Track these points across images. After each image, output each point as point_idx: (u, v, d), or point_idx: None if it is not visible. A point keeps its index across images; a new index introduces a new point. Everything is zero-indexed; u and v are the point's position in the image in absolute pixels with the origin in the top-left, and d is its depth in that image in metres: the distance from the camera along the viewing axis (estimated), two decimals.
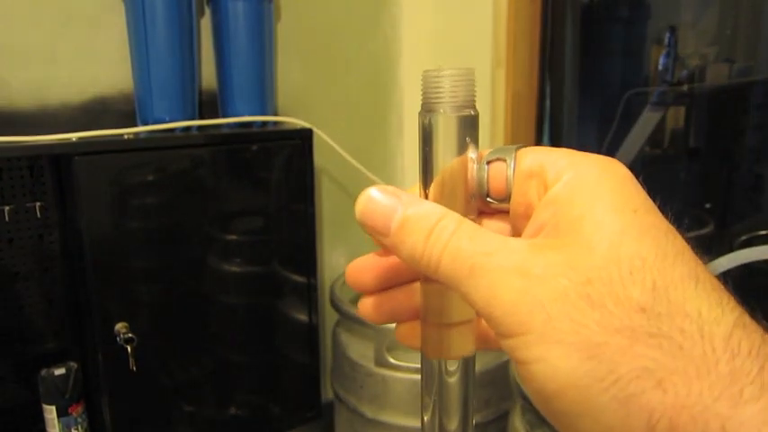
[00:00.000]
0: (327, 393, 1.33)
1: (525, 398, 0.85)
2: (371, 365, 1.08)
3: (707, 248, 1.32)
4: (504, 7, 1.26)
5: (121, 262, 0.98)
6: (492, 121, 1.33)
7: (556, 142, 1.37)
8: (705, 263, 0.20)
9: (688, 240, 0.21)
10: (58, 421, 1.03)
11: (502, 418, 1.08)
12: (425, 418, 0.27)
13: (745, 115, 1.36)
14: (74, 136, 0.92)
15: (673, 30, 1.51)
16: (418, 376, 0.94)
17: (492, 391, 1.07)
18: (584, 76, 1.40)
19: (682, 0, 1.46)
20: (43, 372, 1.03)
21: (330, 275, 1.43)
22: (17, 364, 1.07)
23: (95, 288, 0.95)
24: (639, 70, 1.51)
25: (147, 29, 1.02)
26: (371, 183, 1.26)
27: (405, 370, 1.05)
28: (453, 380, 0.25)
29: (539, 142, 1.38)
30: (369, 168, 1.30)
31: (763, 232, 1.33)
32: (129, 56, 1.07)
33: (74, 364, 1.05)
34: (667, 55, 1.52)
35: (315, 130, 1.13)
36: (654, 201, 0.21)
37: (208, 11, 1.16)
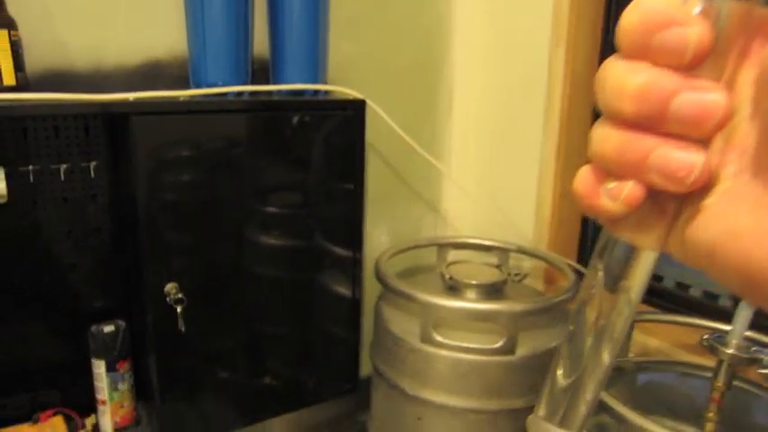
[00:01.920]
0: (363, 368, 1.32)
1: None
2: (416, 341, 1.07)
3: None
4: None
5: (172, 224, 0.98)
6: (547, 103, 1.29)
7: None
8: None
9: None
10: (107, 375, 1.06)
11: None
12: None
13: None
14: (131, 96, 0.92)
15: None
16: (462, 355, 0.92)
17: (538, 377, 1.05)
18: None
19: None
20: (93, 328, 1.05)
21: (370, 252, 1.42)
22: (68, 321, 1.09)
23: (147, 248, 0.96)
24: None
25: None
26: (420, 160, 1.25)
27: (450, 348, 1.03)
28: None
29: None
30: (416, 139, 1.27)
31: None
32: (185, 20, 1.07)
33: (122, 323, 1.07)
34: None
35: (368, 101, 1.11)
36: None
37: None
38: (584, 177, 0.22)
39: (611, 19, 1.27)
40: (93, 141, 1.04)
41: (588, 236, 1.39)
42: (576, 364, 0.27)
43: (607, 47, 1.29)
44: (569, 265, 1.22)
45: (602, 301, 0.25)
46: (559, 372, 0.28)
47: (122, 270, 1.11)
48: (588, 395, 0.27)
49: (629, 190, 0.20)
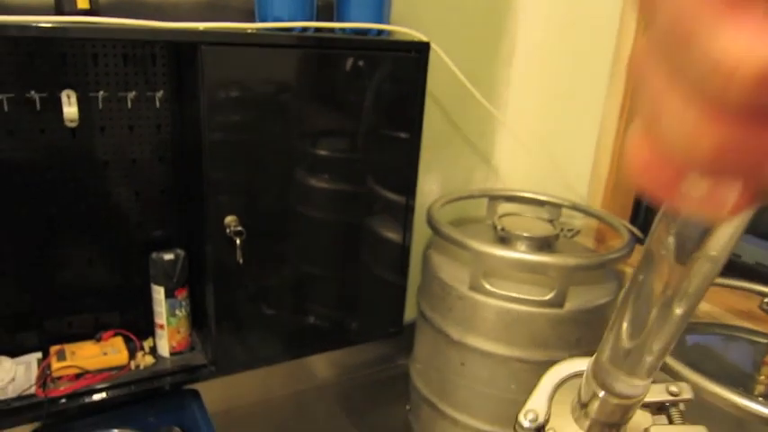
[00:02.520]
0: (407, 314, 1.35)
1: None
2: (464, 288, 1.08)
3: None
4: None
5: (233, 157, 1.00)
6: (615, 56, 1.24)
7: None
8: None
9: None
10: (165, 302, 1.10)
11: None
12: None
13: None
14: (201, 26, 0.92)
15: None
16: (510, 304, 0.93)
17: (585, 332, 1.05)
18: None
19: None
20: (154, 255, 1.09)
21: (421, 200, 1.42)
22: (130, 247, 1.13)
23: (210, 179, 0.98)
24: None
25: None
26: (476, 108, 1.22)
27: (498, 297, 1.04)
28: None
29: None
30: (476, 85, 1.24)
31: None
32: None
33: (181, 252, 1.10)
34: None
35: (433, 45, 1.09)
36: None
37: None
38: (651, 166, 0.16)
39: None
40: (160, 71, 1.05)
41: (644, 200, 1.36)
42: (639, 327, 0.26)
43: None
44: (625, 226, 1.20)
45: (672, 270, 0.23)
46: (624, 330, 0.27)
47: (182, 201, 1.14)
48: (653, 357, 0.27)
49: (737, 197, 0.15)
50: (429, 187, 1.44)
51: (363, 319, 1.25)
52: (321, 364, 1.45)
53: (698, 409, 0.72)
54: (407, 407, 1.35)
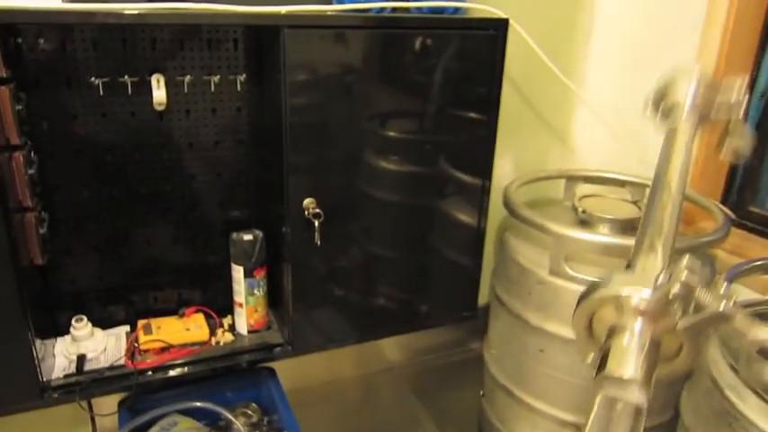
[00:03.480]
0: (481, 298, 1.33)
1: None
2: (544, 273, 1.05)
3: None
4: None
5: (313, 140, 1.00)
6: (703, 35, 1.16)
7: None
8: None
9: None
10: (245, 281, 1.13)
11: None
12: None
13: None
14: (283, 9, 0.93)
15: None
16: None
17: None
18: None
19: None
20: (234, 235, 1.12)
21: (495, 182, 1.39)
22: (212, 227, 1.17)
23: (290, 162, 0.99)
24: None
25: None
26: (553, 86, 1.17)
27: (580, 282, 1.00)
28: None
29: (761, 53, 1.19)
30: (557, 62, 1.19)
31: None
32: None
33: (260, 232, 1.13)
34: None
35: (512, 22, 1.05)
36: None
37: None
38: None
39: None
40: (241, 55, 1.07)
41: (736, 180, 1.27)
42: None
43: None
44: (717, 206, 1.13)
45: None
46: None
47: (262, 182, 1.16)
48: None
49: None
50: (504, 168, 1.41)
51: (436, 303, 1.24)
52: (392, 347, 1.46)
53: None
54: (481, 392, 1.33)
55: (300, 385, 1.39)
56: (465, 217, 1.20)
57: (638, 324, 0.40)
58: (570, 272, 1.01)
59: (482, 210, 1.19)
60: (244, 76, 1.07)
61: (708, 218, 1.20)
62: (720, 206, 1.14)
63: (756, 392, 0.74)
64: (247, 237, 1.12)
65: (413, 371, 1.48)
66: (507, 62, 1.25)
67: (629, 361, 0.39)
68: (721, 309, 0.38)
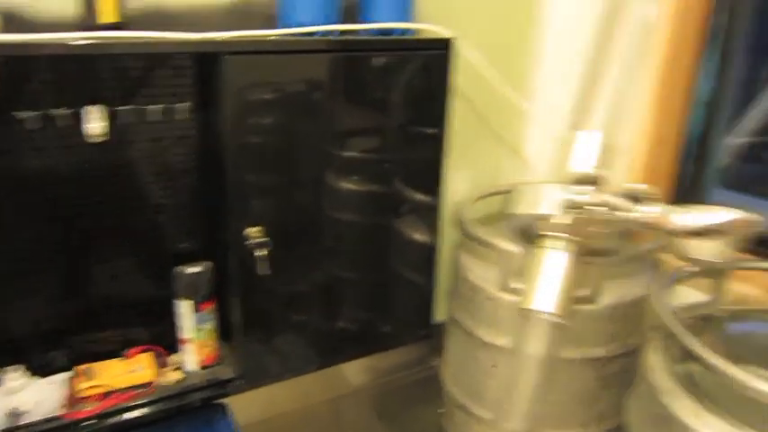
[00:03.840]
0: (437, 314, 1.33)
1: (671, 334, 0.80)
2: (493, 289, 1.06)
3: None
4: None
5: (257, 166, 0.98)
6: (647, 44, 1.21)
7: (724, 63, 1.21)
8: None
9: None
10: (191, 316, 1.09)
11: (627, 354, 1.05)
12: None
13: None
14: (223, 35, 0.91)
15: None
16: None
17: (620, 326, 1.03)
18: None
19: None
20: (177, 269, 1.08)
21: (451, 198, 1.40)
22: (156, 261, 1.12)
23: (232, 190, 0.97)
24: None
25: None
26: (504, 101, 1.19)
27: None
28: None
29: (701, 63, 1.23)
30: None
31: None
32: None
33: (208, 264, 1.09)
34: None
35: (457, 41, 1.07)
36: None
37: None
38: None
39: None
40: (184, 83, 1.04)
41: (684, 184, 1.32)
42: None
43: None
44: None
45: None
46: None
47: (208, 212, 1.13)
48: None
49: None
50: (459, 184, 1.42)
51: (393, 323, 1.24)
52: (354, 369, 1.43)
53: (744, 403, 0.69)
54: (440, 410, 1.33)
55: (265, 416, 1.34)
56: (419, 235, 1.20)
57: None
58: (518, 287, 1.02)
59: (434, 228, 1.19)
60: (188, 103, 1.04)
61: None
62: None
63: (690, 395, 0.77)
64: (192, 269, 1.08)
65: (376, 392, 1.46)
66: (459, 79, 1.27)
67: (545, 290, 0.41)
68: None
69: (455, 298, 1.18)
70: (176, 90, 1.03)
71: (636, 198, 0.41)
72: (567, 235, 0.40)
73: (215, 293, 1.11)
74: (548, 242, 0.41)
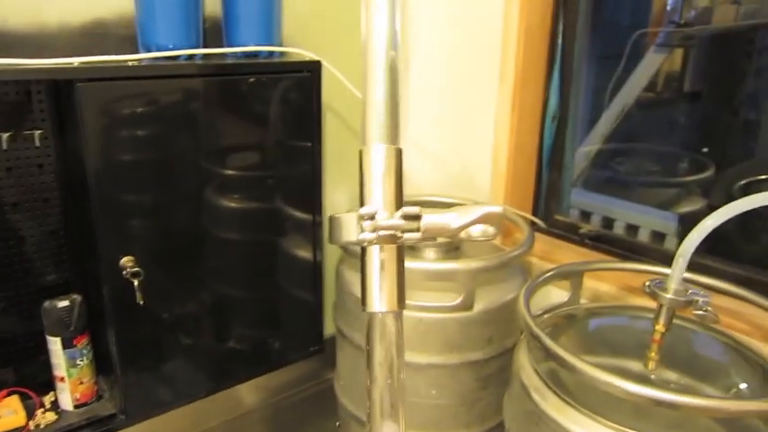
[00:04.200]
0: (328, 329, 1.34)
1: (532, 335, 0.86)
2: None
3: (706, 192, 1.34)
4: None
5: (124, 192, 0.95)
6: (503, 55, 1.30)
7: (566, 80, 1.35)
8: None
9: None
10: (63, 352, 1.04)
11: (503, 355, 1.11)
12: None
13: (748, 59, 1.36)
14: (76, 61, 0.87)
15: None
16: (422, 314, 0.97)
17: (495, 329, 1.09)
18: (596, 15, 1.36)
19: None
20: (46, 303, 1.02)
21: (330, 212, 1.42)
22: (19, 296, 1.05)
23: (100, 220, 0.93)
24: (649, 11, 1.49)
25: None
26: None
27: (410, 308, 1.06)
28: None
29: (548, 81, 1.35)
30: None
31: (763, 177, 1.35)
32: None
33: (77, 297, 1.04)
34: None
35: (323, 62, 1.09)
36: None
37: None
38: None
39: None
40: (38, 108, 0.98)
41: (542, 189, 1.42)
42: None
43: (558, 6, 1.29)
44: (523, 218, 1.26)
45: None
46: None
47: (76, 242, 1.08)
48: None
49: None
50: (337, 199, 1.45)
51: (284, 341, 1.24)
52: (247, 390, 1.42)
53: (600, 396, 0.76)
54: (337, 423, 1.34)
55: None
56: (302, 252, 1.21)
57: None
58: None
59: (316, 244, 1.21)
60: (41, 131, 0.99)
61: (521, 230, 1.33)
62: (525, 216, 1.28)
63: (556, 393, 0.83)
64: (62, 303, 1.02)
65: (272, 411, 1.45)
66: (332, 97, 1.29)
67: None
68: None
69: (341, 312, 1.20)
70: (29, 116, 0.98)
71: (415, 216, 0.48)
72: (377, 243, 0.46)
73: (90, 326, 1.06)
74: (367, 250, 0.47)
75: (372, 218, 0.46)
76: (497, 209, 0.48)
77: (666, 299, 0.86)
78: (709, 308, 0.85)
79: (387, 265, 0.46)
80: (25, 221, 1.03)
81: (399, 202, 0.47)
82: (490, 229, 0.48)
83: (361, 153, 0.48)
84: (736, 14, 1.41)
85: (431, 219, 0.47)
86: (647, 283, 0.89)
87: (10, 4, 0.96)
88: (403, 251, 0.48)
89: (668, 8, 1.49)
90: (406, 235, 0.47)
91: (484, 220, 0.47)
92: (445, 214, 0.48)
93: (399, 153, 0.47)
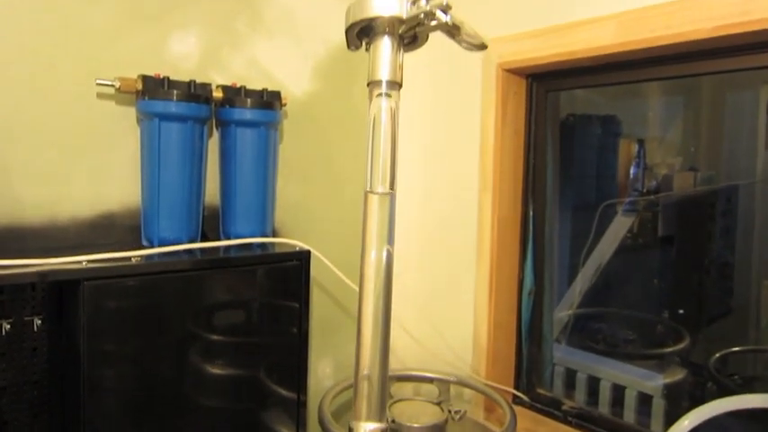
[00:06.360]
0: None
1: None
2: None
3: (685, 363, 1.40)
4: (491, 140, 1.37)
5: (115, 384, 0.98)
6: (479, 242, 1.41)
7: (538, 260, 1.45)
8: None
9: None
10: None
11: None
12: None
13: (711, 221, 1.49)
14: (83, 259, 0.95)
15: (642, 143, 1.66)
16: None
17: None
18: (563, 198, 1.51)
19: (649, 116, 1.62)
20: None
21: (316, 384, 1.44)
22: None
23: (90, 410, 0.95)
24: (612, 184, 1.65)
25: (161, 153, 1.08)
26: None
27: None
28: None
29: (523, 261, 1.45)
30: (357, 280, 1.35)
31: (736, 348, 1.41)
32: (140, 176, 1.13)
33: None
34: (637, 165, 1.66)
35: (312, 251, 1.19)
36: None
37: (216, 133, 1.24)
38: None
39: (530, 168, 1.43)
40: (40, 296, 1.04)
41: (523, 364, 1.46)
42: None
43: (528, 191, 1.44)
44: (503, 395, 1.28)
45: None
46: None
47: (59, 427, 1.08)
48: None
49: None
50: (323, 371, 1.47)
51: None
52: None
53: None
54: None
55: None
56: (285, 429, 1.21)
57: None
58: None
59: (300, 424, 1.21)
60: (40, 318, 1.04)
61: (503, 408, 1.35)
62: (508, 391, 1.30)
63: None
64: None
65: None
66: (320, 276, 1.38)
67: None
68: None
69: None
70: (30, 304, 1.03)
71: None
72: None
73: None
74: None
75: None
76: None
77: None
78: None
79: None
80: (12, 405, 1.04)
81: None
82: None
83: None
84: (695, 180, 1.57)
85: None
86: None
87: (30, 199, 1.06)
88: None
89: (631, 177, 1.66)
90: None
91: None
92: None
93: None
